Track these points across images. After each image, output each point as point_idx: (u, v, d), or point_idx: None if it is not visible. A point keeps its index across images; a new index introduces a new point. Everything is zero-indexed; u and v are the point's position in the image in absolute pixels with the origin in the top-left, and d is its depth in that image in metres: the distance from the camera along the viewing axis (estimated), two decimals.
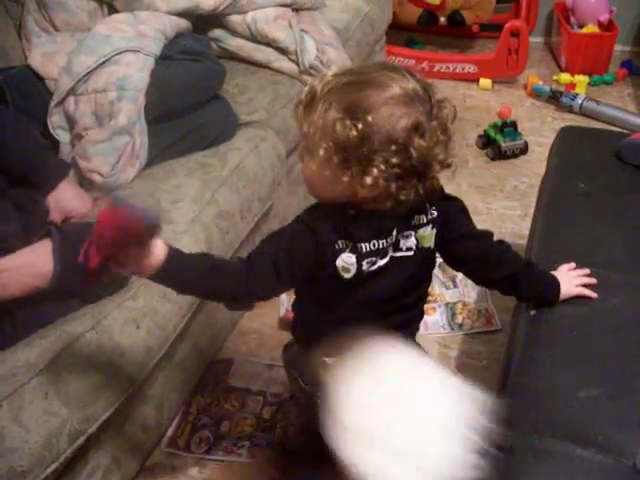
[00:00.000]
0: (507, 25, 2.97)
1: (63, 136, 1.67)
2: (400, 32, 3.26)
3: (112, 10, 1.90)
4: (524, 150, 2.61)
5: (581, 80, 3.00)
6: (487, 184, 2.47)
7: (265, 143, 1.80)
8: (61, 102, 1.63)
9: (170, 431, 1.65)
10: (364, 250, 1.05)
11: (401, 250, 1.09)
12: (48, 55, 1.69)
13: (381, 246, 1.06)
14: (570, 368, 1.11)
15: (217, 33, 2.07)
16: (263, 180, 1.75)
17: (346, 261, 1.05)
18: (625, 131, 2.44)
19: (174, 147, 1.71)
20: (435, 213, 1.10)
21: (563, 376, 1.09)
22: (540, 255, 1.40)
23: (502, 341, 1.67)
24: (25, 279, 1.21)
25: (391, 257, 1.08)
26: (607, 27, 3.07)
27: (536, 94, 2.99)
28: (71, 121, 1.64)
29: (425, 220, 1.09)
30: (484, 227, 2.18)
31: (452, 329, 1.91)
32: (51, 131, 1.65)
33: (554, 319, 1.21)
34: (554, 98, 2.91)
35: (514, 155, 2.59)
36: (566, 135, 1.75)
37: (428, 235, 1.10)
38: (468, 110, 2.93)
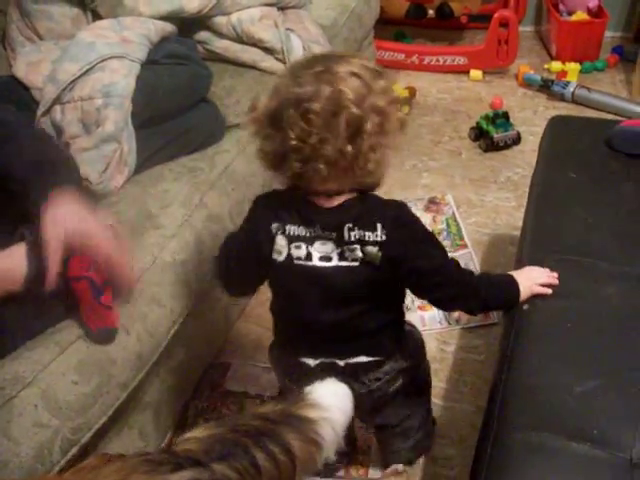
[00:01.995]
0: (496, 15, 2.95)
1: None
2: (388, 26, 3.25)
3: (96, 16, 1.89)
4: (517, 141, 2.60)
5: (572, 68, 2.98)
6: (480, 176, 2.45)
7: (253, 144, 1.77)
8: (47, 111, 1.62)
9: (168, 437, 1.64)
10: (291, 233, 1.13)
11: (347, 260, 1.12)
12: (32, 64, 1.68)
13: (307, 234, 1.12)
14: (564, 362, 1.10)
15: (203, 35, 2.06)
16: (252, 182, 1.74)
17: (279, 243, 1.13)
18: (616, 118, 2.43)
19: (162, 151, 1.70)
20: (385, 237, 1.10)
21: (557, 370, 1.08)
22: (532, 246, 1.39)
23: (499, 334, 1.66)
24: (1, 283, 1.20)
25: (337, 265, 1.12)
26: (596, 14, 3.05)
27: (527, 84, 2.97)
28: (58, 130, 1.63)
29: (372, 239, 1.10)
30: (479, 219, 2.22)
31: (449, 324, 1.90)
32: None
33: (547, 313, 1.20)
34: (545, 87, 2.89)
35: (507, 146, 2.58)
36: (556, 125, 1.73)
37: (374, 254, 1.11)
38: (459, 102, 2.92)
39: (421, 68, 3.12)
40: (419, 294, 1.25)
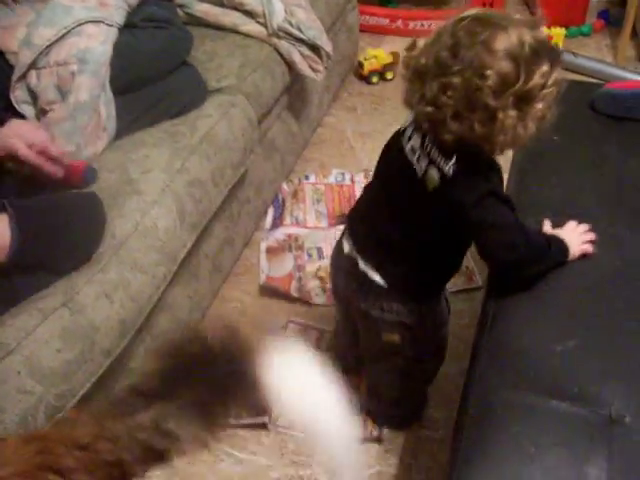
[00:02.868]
0: None
1: (28, 111, 1.63)
2: None
3: None
4: None
5: (558, 32, 2.96)
6: None
7: (235, 109, 1.77)
8: (23, 76, 1.59)
9: None
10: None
11: (419, 164, 1.15)
12: (7, 28, 1.64)
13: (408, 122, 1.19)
14: (545, 322, 1.11)
15: None
16: (234, 146, 1.72)
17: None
18: (600, 82, 2.43)
19: (143, 117, 1.68)
20: (451, 173, 1.10)
21: (538, 330, 1.09)
22: (516, 208, 1.38)
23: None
24: None
25: (411, 162, 1.16)
26: None
27: None
28: (34, 95, 1.60)
29: (440, 165, 1.11)
30: None
31: None
32: (15, 106, 1.61)
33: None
34: None
35: None
36: None
37: (432, 177, 1.13)
38: None
39: (406, 33, 3.08)
40: (482, 251, 1.19)
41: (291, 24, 1.99)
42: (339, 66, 2.55)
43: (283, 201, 2.21)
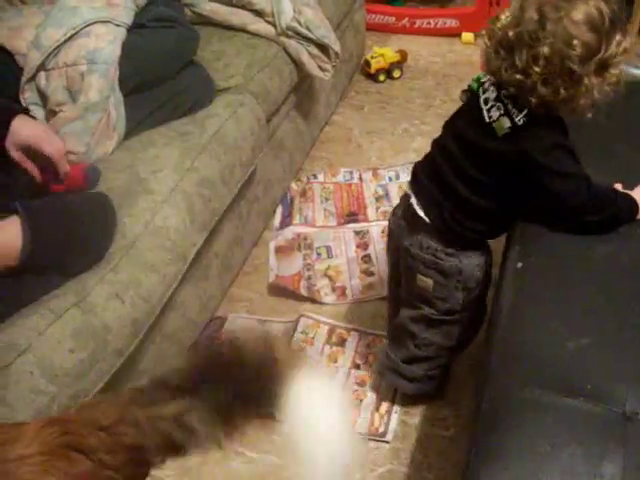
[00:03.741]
0: None
1: (37, 112, 1.63)
2: None
3: None
4: None
5: None
6: None
7: (243, 108, 1.77)
8: (32, 78, 1.59)
9: None
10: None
11: (489, 112, 1.25)
12: (15, 29, 1.64)
13: (486, 78, 1.29)
14: (558, 319, 1.10)
15: None
16: (243, 145, 1.73)
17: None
18: None
19: (152, 116, 1.68)
20: (521, 122, 1.20)
21: (551, 327, 1.09)
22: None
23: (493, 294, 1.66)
24: None
25: (481, 109, 1.26)
26: None
27: None
28: (44, 97, 1.60)
29: (512, 114, 1.21)
30: None
31: None
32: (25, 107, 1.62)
33: (541, 270, 1.20)
34: None
35: None
36: None
37: (502, 124, 1.22)
38: (451, 66, 2.89)
39: (412, 31, 3.08)
40: (547, 199, 1.26)
41: (300, 23, 1.99)
42: (346, 65, 2.55)
43: (292, 200, 2.21)
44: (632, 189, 1.29)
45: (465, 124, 1.32)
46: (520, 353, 1.06)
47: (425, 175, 1.38)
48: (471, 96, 1.35)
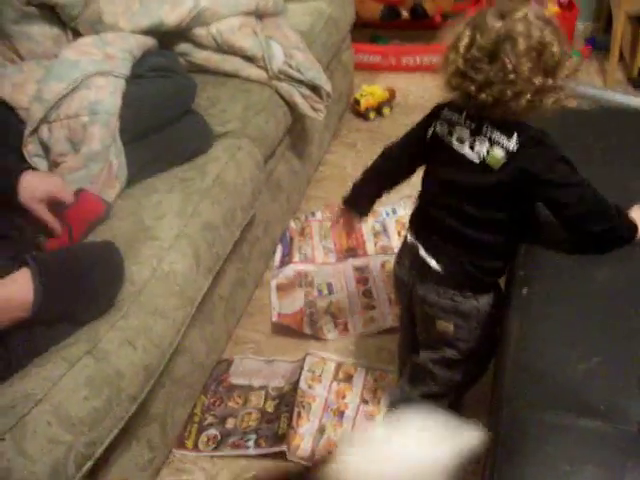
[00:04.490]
0: (468, 13, 2.99)
1: (40, 164, 1.66)
2: (364, 29, 3.28)
3: (76, 34, 1.90)
4: None
5: None
6: None
7: (242, 152, 1.80)
8: (35, 131, 1.63)
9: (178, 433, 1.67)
10: (443, 116, 1.29)
11: (472, 151, 1.23)
12: (17, 85, 1.68)
13: (453, 117, 1.26)
14: (566, 342, 1.12)
15: (183, 47, 2.08)
16: (243, 189, 1.75)
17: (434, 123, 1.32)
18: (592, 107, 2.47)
19: (153, 164, 1.72)
20: (516, 148, 1.19)
21: (560, 350, 1.10)
22: None
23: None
24: (7, 312, 1.21)
25: (464, 153, 1.24)
26: (567, 6, 3.10)
27: None
28: (46, 148, 1.63)
29: (504, 144, 1.20)
30: None
31: None
32: (28, 160, 1.64)
33: (546, 295, 1.22)
34: None
35: None
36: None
37: (496, 157, 1.21)
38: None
39: (399, 69, 3.15)
40: (553, 210, 1.27)
41: (291, 66, 2.04)
42: (336, 104, 2.60)
43: (291, 239, 2.23)
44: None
45: (451, 172, 1.29)
46: (532, 378, 1.07)
47: (426, 228, 1.37)
48: (434, 142, 1.32)
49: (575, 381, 1.04)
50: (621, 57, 2.98)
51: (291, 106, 2.08)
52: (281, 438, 1.62)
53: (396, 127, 2.77)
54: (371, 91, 2.85)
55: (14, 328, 1.23)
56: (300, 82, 2.06)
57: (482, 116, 1.21)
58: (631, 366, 1.06)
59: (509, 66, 1.13)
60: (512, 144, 1.19)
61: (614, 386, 1.04)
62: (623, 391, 1.03)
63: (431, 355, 1.46)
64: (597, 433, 0.97)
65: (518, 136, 1.19)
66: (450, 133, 1.27)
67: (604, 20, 3.32)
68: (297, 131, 2.25)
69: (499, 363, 1.17)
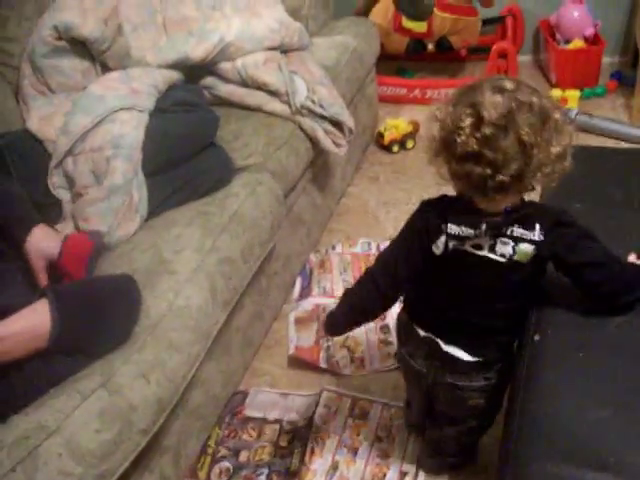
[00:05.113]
0: (494, 47, 3.01)
1: (64, 195, 1.71)
2: (390, 61, 3.31)
3: (105, 68, 1.94)
4: None
5: (572, 95, 3.02)
6: None
7: (262, 187, 1.82)
8: (60, 163, 1.67)
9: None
10: (451, 232, 1.19)
11: (495, 253, 1.18)
12: (45, 118, 1.73)
13: (467, 234, 1.17)
14: (577, 391, 1.11)
15: (209, 81, 2.12)
16: (262, 223, 1.77)
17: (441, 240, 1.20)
18: (618, 144, 2.46)
19: (173, 197, 1.74)
20: (542, 237, 1.16)
21: (570, 399, 1.09)
22: None
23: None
24: (26, 343, 1.23)
25: (485, 256, 1.19)
26: (593, 41, 3.10)
27: None
28: (71, 180, 1.68)
29: (529, 237, 1.16)
30: None
31: None
32: (52, 191, 1.68)
33: (558, 343, 1.21)
34: None
35: None
36: None
37: (525, 252, 1.17)
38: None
39: (424, 102, 3.16)
40: (582, 288, 1.24)
41: (314, 102, 2.06)
42: (360, 137, 2.62)
43: (310, 271, 2.24)
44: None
45: (474, 275, 1.23)
46: (540, 427, 1.06)
47: (443, 326, 1.32)
48: (446, 256, 1.22)
49: (584, 432, 1.03)
50: None
51: (313, 141, 2.10)
52: (293, 474, 1.62)
53: (419, 161, 2.78)
54: (395, 124, 2.86)
55: (31, 358, 1.25)
56: (323, 117, 2.08)
57: (505, 222, 1.16)
58: None
59: (526, 138, 1.07)
60: (537, 234, 1.16)
61: (625, 439, 1.02)
62: (635, 445, 1.01)
63: (458, 429, 1.47)
64: None
65: (540, 225, 1.16)
66: (463, 244, 1.20)
67: (631, 54, 3.31)
68: (319, 164, 2.27)
69: (508, 411, 1.16)
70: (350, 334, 1.98)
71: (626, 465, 0.99)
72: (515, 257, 1.18)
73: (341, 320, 1.40)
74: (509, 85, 1.10)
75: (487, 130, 1.06)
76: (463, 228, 1.17)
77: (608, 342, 1.18)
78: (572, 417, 1.06)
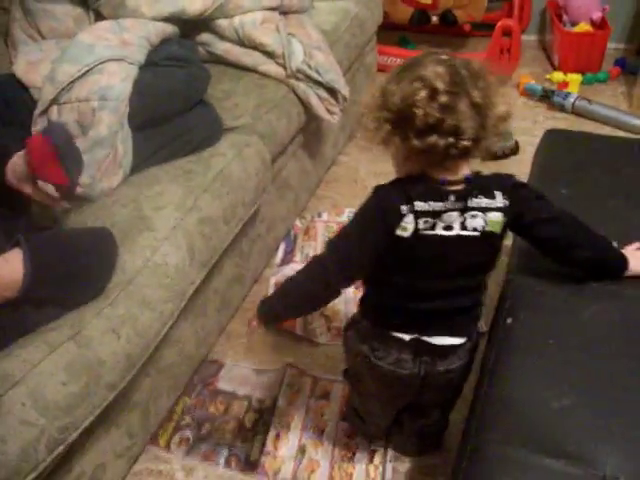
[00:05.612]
0: (499, 24, 2.96)
1: None
2: (392, 32, 3.27)
3: (98, 16, 1.91)
4: (515, 151, 2.60)
5: (574, 78, 2.99)
6: None
7: (249, 148, 1.80)
8: (45, 111, 1.64)
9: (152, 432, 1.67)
10: (419, 209, 1.14)
11: (467, 229, 1.17)
12: (32, 64, 1.69)
13: (437, 207, 1.14)
14: (544, 378, 1.11)
15: (205, 37, 2.08)
16: (247, 185, 1.75)
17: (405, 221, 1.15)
18: (614, 131, 2.44)
19: (159, 153, 1.72)
20: (507, 202, 1.17)
21: (536, 386, 1.10)
22: (520, 261, 1.40)
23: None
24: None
25: (458, 235, 1.17)
26: (600, 25, 3.05)
27: (528, 93, 2.98)
28: None
29: (496, 206, 1.17)
30: None
31: None
32: None
33: (530, 327, 1.21)
34: (546, 97, 2.90)
35: (505, 155, 2.58)
36: (550, 139, 1.75)
37: (496, 221, 1.17)
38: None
39: None
40: (540, 245, 1.29)
41: (309, 66, 2.03)
42: (356, 105, 2.58)
43: (295, 237, 2.23)
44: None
45: (450, 258, 1.20)
46: (503, 410, 1.07)
47: (420, 320, 1.27)
48: (414, 241, 1.17)
49: (546, 419, 1.04)
50: None
51: (306, 106, 2.07)
52: (252, 465, 1.61)
53: None
54: None
55: (1, 307, 1.24)
56: (317, 83, 2.05)
57: (468, 190, 1.15)
58: (606, 409, 1.05)
59: (479, 100, 1.09)
60: (500, 201, 1.17)
61: (585, 428, 1.03)
62: (594, 435, 1.02)
63: (444, 411, 1.49)
64: (561, 475, 0.97)
65: (501, 191, 1.17)
66: (434, 227, 1.16)
67: (637, 42, 3.28)
68: (311, 130, 2.24)
69: (475, 393, 1.16)
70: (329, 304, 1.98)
71: (584, 454, 1.00)
72: (487, 228, 1.17)
73: (278, 308, 1.41)
74: (445, 57, 1.13)
75: (443, 99, 1.07)
76: (431, 203, 1.14)
77: (579, 331, 1.19)
78: (535, 404, 1.07)
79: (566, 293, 1.27)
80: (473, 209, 1.16)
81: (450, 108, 1.08)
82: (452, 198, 1.15)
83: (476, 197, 1.16)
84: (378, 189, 1.20)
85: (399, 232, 1.15)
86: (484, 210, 1.16)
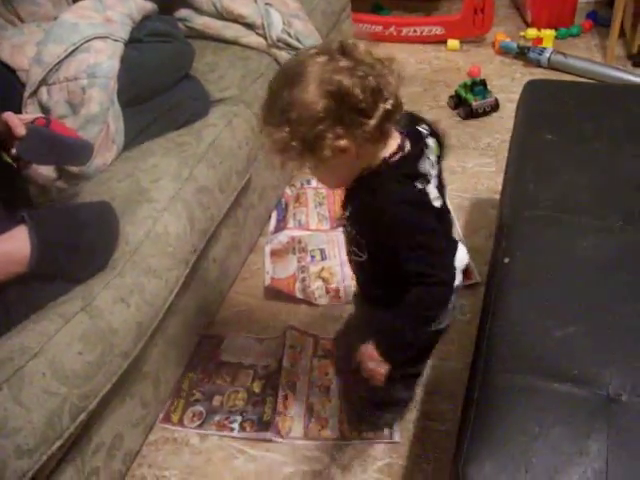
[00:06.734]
0: None
1: None
2: None
3: None
4: (495, 107, 2.65)
5: (548, 34, 3.03)
6: (460, 143, 2.51)
7: (238, 118, 1.82)
8: (34, 93, 1.65)
9: (166, 405, 1.70)
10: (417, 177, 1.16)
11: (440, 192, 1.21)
12: (17, 47, 1.70)
13: (426, 167, 1.18)
14: (544, 310, 1.16)
15: (183, 13, 2.10)
16: (239, 154, 1.78)
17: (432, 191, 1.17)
18: (591, 81, 2.49)
19: (150, 128, 1.74)
20: (433, 140, 1.23)
21: (538, 317, 1.15)
22: (512, 206, 1.45)
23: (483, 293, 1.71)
24: (5, 267, 1.24)
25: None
26: None
27: (504, 51, 3.02)
28: (46, 111, 1.66)
29: (426, 131, 1.23)
30: (460, 185, 2.27)
31: None
32: None
33: (527, 265, 1.26)
34: (522, 54, 2.94)
35: (485, 113, 2.63)
36: (531, 89, 1.78)
37: (435, 145, 1.23)
38: (438, 72, 2.96)
39: (399, 39, 3.15)
40: None
41: (289, 34, 2.05)
42: None
43: (286, 205, 2.26)
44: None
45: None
46: (509, 342, 1.11)
47: None
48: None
49: (550, 348, 1.09)
50: (622, 33, 2.98)
51: None
52: (266, 424, 1.63)
53: None
54: None
55: (11, 283, 1.27)
56: (298, 50, 2.07)
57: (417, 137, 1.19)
58: (606, 334, 1.10)
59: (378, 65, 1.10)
60: (428, 137, 1.21)
61: (588, 353, 1.08)
62: (596, 358, 1.07)
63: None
64: (568, 396, 1.02)
65: (426, 129, 1.23)
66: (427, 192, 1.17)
67: None
68: None
69: (479, 331, 1.21)
70: (325, 265, 2.02)
71: (587, 376, 1.06)
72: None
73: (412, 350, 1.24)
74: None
75: (372, 81, 1.06)
76: (417, 163, 1.16)
77: (576, 264, 1.24)
78: (539, 334, 1.12)
79: (557, 232, 1.32)
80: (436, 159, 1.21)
81: (367, 76, 1.06)
82: (429, 147, 1.20)
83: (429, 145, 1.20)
84: (389, 194, 1.13)
85: (436, 203, 1.18)
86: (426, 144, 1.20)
